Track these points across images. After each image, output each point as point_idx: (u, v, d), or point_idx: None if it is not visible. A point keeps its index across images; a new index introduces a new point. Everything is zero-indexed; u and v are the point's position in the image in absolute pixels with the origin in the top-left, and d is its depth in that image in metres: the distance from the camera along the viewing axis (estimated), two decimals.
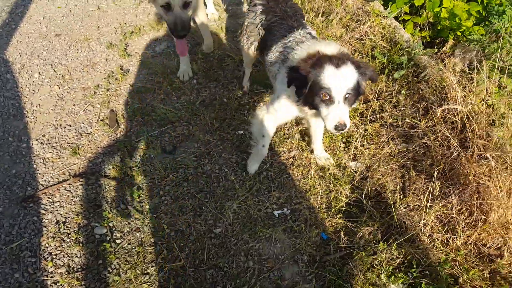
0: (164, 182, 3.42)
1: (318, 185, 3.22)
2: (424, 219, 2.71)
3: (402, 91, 3.51)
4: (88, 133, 3.89)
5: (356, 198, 3.06)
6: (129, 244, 3.03)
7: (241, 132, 3.77)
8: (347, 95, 2.39)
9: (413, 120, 3.28)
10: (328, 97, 2.38)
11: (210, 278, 2.82)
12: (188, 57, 4.30)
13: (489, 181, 2.55)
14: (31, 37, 5.11)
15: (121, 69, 4.59)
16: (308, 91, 2.42)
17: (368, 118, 3.46)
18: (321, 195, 3.16)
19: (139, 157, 3.63)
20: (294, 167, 3.41)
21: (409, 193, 2.91)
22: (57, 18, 5.35)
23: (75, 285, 2.80)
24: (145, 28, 5.04)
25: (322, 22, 4.45)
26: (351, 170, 3.24)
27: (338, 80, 2.34)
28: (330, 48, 2.51)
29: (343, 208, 3.03)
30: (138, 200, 3.30)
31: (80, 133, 3.87)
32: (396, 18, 4.44)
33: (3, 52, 4.86)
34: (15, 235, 3.11)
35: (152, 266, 2.89)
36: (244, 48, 3.57)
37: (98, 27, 5.17)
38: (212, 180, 3.42)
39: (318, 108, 2.47)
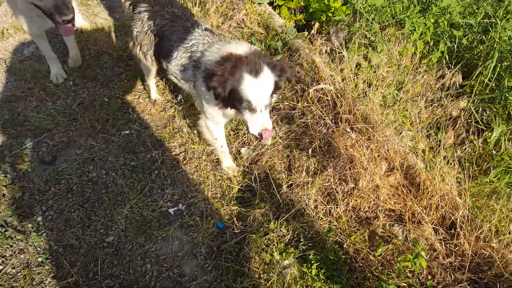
0: (46, 196, 3.21)
1: (212, 175, 3.30)
2: (307, 194, 2.96)
3: None
4: None
5: (248, 183, 3.20)
6: (13, 268, 2.85)
7: (127, 131, 3.66)
8: (267, 102, 2.47)
9: (292, 102, 3.52)
10: (249, 107, 2.45)
11: None
12: (56, 58, 4.03)
13: (355, 151, 2.86)
14: None
15: None
16: (228, 96, 2.43)
17: None
18: (215, 186, 3.25)
19: (15, 173, 3.35)
20: (186, 161, 3.43)
21: (294, 171, 3.14)
22: None
23: None
24: (9, 30, 4.57)
25: (200, 12, 4.48)
26: (241, 156, 3.38)
27: (259, 91, 2.38)
28: (242, 48, 2.50)
29: (236, 195, 3.15)
30: (18, 220, 3.07)
31: None
32: (271, 4, 4.63)
33: None
34: None
35: None
36: (141, 59, 3.41)
37: None
38: (100, 187, 3.29)
39: (240, 112, 2.54)
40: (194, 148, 3.49)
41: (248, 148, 3.42)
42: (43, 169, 3.39)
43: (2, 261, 2.88)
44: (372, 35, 3.63)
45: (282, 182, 3.11)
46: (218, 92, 2.42)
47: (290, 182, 3.11)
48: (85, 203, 3.18)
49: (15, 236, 2.98)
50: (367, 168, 2.77)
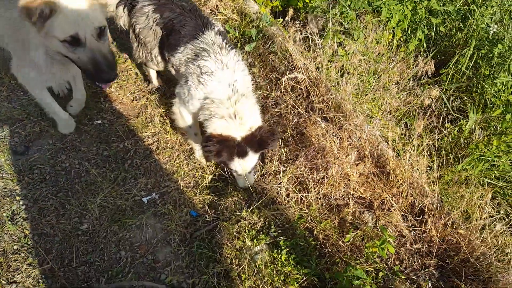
0: (19, 185, 3.20)
1: (185, 165, 3.32)
2: (279, 182, 3.00)
3: (256, 64, 3.73)
4: None
5: (220, 172, 3.24)
6: None
7: (99, 121, 3.64)
8: (251, 170, 2.93)
9: (266, 91, 3.54)
10: (237, 173, 2.95)
11: (82, 274, 2.80)
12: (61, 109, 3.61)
13: (325, 141, 2.91)
14: None
15: None
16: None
17: None
18: (188, 175, 3.27)
19: None
20: (159, 150, 3.44)
21: (266, 161, 3.18)
22: None
23: None
24: None
25: None
26: None
27: (244, 166, 2.87)
28: (242, 129, 2.79)
29: (209, 184, 3.19)
30: None
31: None
32: None
33: None
34: None
35: (19, 274, 2.80)
36: (147, 63, 3.36)
37: None
38: (73, 176, 3.28)
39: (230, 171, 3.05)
40: (167, 138, 3.50)
41: None
42: (16, 159, 3.37)
43: None
44: (347, 23, 3.66)
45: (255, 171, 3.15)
46: (211, 157, 2.86)
47: (262, 172, 3.15)
48: (59, 192, 3.18)
49: None
50: (338, 157, 2.82)
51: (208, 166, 3.27)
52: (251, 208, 2.92)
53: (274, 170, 3.06)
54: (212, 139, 2.75)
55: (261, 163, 3.24)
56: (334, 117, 3.01)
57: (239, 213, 2.93)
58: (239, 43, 3.88)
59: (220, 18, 4.20)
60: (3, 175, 3.28)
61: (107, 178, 3.27)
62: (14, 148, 3.47)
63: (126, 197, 3.17)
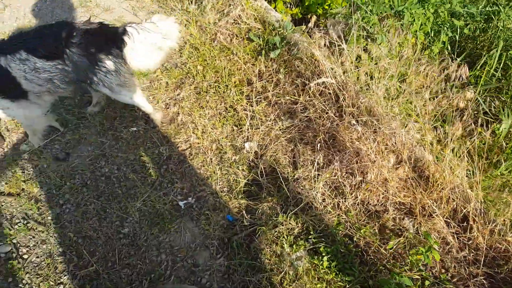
0: (62, 190, 2.93)
1: (218, 170, 2.93)
2: (315, 187, 2.57)
3: (281, 70, 3.31)
4: None
5: (254, 177, 2.82)
6: (38, 257, 2.63)
7: (135, 128, 3.29)
8: None
9: (294, 96, 3.09)
10: None
11: (125, 277, 2.52)
12: None
13: (361, 145, 2.46)
14: None
15: None
16: None
17: (254, 99, 3.20)
18: (221, 180, 2.89)
19: (32, 169, 3.03)
20: (192, 156, 3.06)
21: (299, 165, 2.75)
22: None
23: None
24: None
25: (196, 9, 3.99)
26: (246, 151, 2.97)
27: None
28: None
29: (243, 189, 2.79)
30: (38, 212, 2.82)
31: None
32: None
33: None
34: None
35: (65, 275, 2.55)
36: None
37: None
38: (112, 181, 2.98)
39: None
40: (198, 144, 3.11)
41: (252, 142, 3.00)
42: (58, 165, 3.08)
43: (27, 251, 2.67)
44: (370, 27, 3.18)
45: (288, 176, 2.73)
46: None
47: (296, 176, 2.73)
48: (100, 197, 2.90)
49: (36, 228, 2.75)
50: (375, 161, 2.38)
51: (242, 170, 2.83)
52: (288, 213, 2.49)
53: (308, 175, 2.62)
54: None
55: (294, 166, 2.80)
56: (367, 120, 2.55)
57: (275, 218, 2.55)
58: (263, 51, 3.42)
59: (243, 27, 3.74)
60: (47, 181, 3.00)
61: (146, 182, 2.97)
62: (55, 154, 3.17)
63: (164, 201, 2.85)
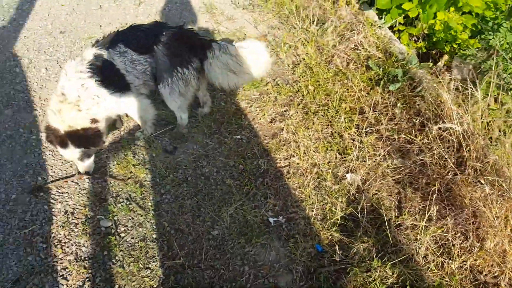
0: (165, 181, 3.12)
1: (314, 195, 2.88)
2: (419, 239, 2.39)
3: (398, 104, 3.15)
4: None
5: (352, 212, 2.72)
6: (133, 238, 2.82)
7: (239, 136, 3.40)
8: (79, 159, 2.90)
9: (409, 135, 2.92)
10: None
11: (208, 278, 2.58)
12: None
13: (484, 207, 2.21)
14: (37, 33, 4.57)
15: None
16: None
17: (364, 130, 3.09)
18: (316, 206, 2.83)
19: (142, 156, 3.31)
20: (290, 175, 3.06)
21: (404, 211, 2.58)
22: (61, 15, 4.80)
23: (82, 272, 2.64)
24: None
25: (317, 30, 4.01)
26: (347, 183, 2.89)
27: (67, 156, 2.88)
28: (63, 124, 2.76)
29: (338, 221, 2.69)
30: (140, 196, 3.04)
31: None
32: (391, 28, 4.01)
33: (11, 47, 4.35)
34: (28, 221, 2.93)
35: (154, 262, 2.69)
36: None
37: (100, 26, 4.65)
38: (210, 182, 3.10)
39: None
40: (298, 164, 3.09)
41: (355, 174, 2.91)
42: (165, 156, 3.31)
43: (124, 230, 2.87)
44: (508, 76, 2.87)
45: (390, 220, 2.57)
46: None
47: (399, 222, 2.56)
48: (197, 195, 3.03)
49: (136, 211, 2.96)
50: (496, 228, 2.12)
51: (340, 202, 2.75)
52: (384, 259, 2.35)
53: (413, 224, 2.44)
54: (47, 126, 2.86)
55: (398, 211, 2.63)
56: (494, 181, 2.29)
57: (369, 262, 2.39)
58: (381, 81, 3.30)
59: (362, 54, 3.67)
60: (153, 169, 3.22)
61: (240, 191, 3.03)
62: (164, 146, 3.39)
63: (255, 214, 2.88)
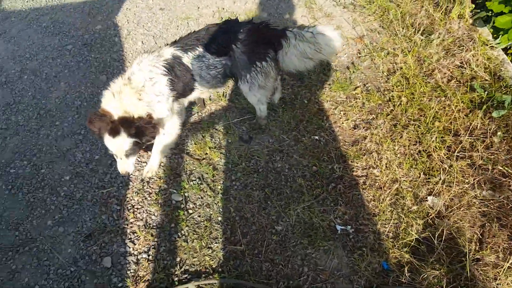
0: (237, 168, 3.45)
1: (389, 211, 2.99)
2: (499, 279, 2.41)
3: (499, 133, 3.12)
4: None
5: (427, 236, 2.78)
6: (199, 216, 3.16)
7: (317, 137, 3.61)
8: (126, 153, 2.90)
9: (506, 168, 2.90)
10: (112, 153, 2.97)
11: (265, 270, 2.83)
12: None
13: None
14: (139, 7, 5.20)
15: None
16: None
17: (456, 154, 3.12)
18: (390, 223, 2.93)
19: (218, 140, 3.67)
20: (365, 186, 3.19)
21: (487, 246, 2.60)
22: None
23: (149, 239, 3.03)
24: (240, 15, 4.90)
25: (421, 40, 4.05)
26: (428, 205, 2.95)
27: (116, 147, 2.85)
28: (120, 108, 2.80)
29: (411, 243, 2.77)
30: (212, 179, 3.39)
31: None
32: (505, 50, 3.92)
33: (114, 17, 4.98)
34: (106, 182, 3.43)
35: (216, 243, 3.00)
36: None
37: (198, 7, 5.14)
38: (281, 177, 3.36)
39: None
40: (377, 177, 3.21)
41: (438, 199, 2.96)
42: (240, 144, 3.63)
43: (193, 207, 3.22)
44: None
45: (469, 252, 2.60)
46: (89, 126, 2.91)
47: (477, 257, 2.59)
48: (266, 187, 3.29)
49: (206, 191, 3.30)
50: None
51: (416, 223, 2.83)
52: None
53: (495, 262, 2.46)
54: (96, 112, 2.87)
55: (479, 244, 2.65)
56: None
57: None
58: (484, 105, 3.28)
59: (467, 73, 3.65)
60: (227, 155, 3.54)
61: (311, 192, 3.24)
62: (240, 135, 3.71)
63: (322, 218, 3.08)
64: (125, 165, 2.98)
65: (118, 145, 2.83)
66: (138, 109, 2.83)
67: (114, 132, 2.77)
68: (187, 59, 2.99)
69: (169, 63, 2.94)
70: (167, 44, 3.06)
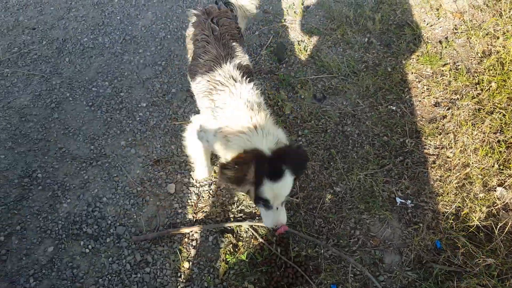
0: (305, 125, 3.68)
1: (454, 194, 3.15)
2: None
3: None
4: (257, 54, 4.23)
5: (488, 225, 2.95)
6: None
7: (394, 108, 3.76)
8: (284, 199, 2.42)
9: None
10: (266, 205, 2.40)
11: (318, 226, 3.11)
12: None
13: None
14: None
15: (302, 4, 4.72)
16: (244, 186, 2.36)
17: None
18: (452, 205, 3.10)
19: (292, 94, 3.91)
20: (435, 165, 3.34)
21: None
22: None
23: (212, 175, 3.36)
24: None
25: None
26: (496, 196, 3.08)
27: (277, 192, 2.31)
28: (266, 142, 2.34)
29: (471, 229, 2.95)
30: None
31: (250, 54, 4.20)
32: None
33: None
34: (179, 115, 3.81)
35: None
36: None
37: None
38: (348, 141, 3.58)
39: (256, 205, 2.57)
40: (449, 158, 3.34)
41: (507, 191, 3.07)
42: (312, 102, 3.87)
43: None
44: None
45: None
46: (233, 186, 2.46)
47: None
48: (332, 148, 3.52)
49: None
50: None
51: (480, 211, 2.99)
52: (506, 283, 2.62)
53: None
54: (231, 162, 2.33)
55: None
56: None
57: (489, 278, 2.66)
58: None
59: None
60: (298, 109, 3.80)
61: (376, 161, 3.45)
62: (315, 93, 3.94)
63: (383, 188, 3.30)
64: (282, 217, 2.48)
65: (287, 187, 2.36)
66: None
67: (279, 173, 2.27)
68: None
69: None
70: None
